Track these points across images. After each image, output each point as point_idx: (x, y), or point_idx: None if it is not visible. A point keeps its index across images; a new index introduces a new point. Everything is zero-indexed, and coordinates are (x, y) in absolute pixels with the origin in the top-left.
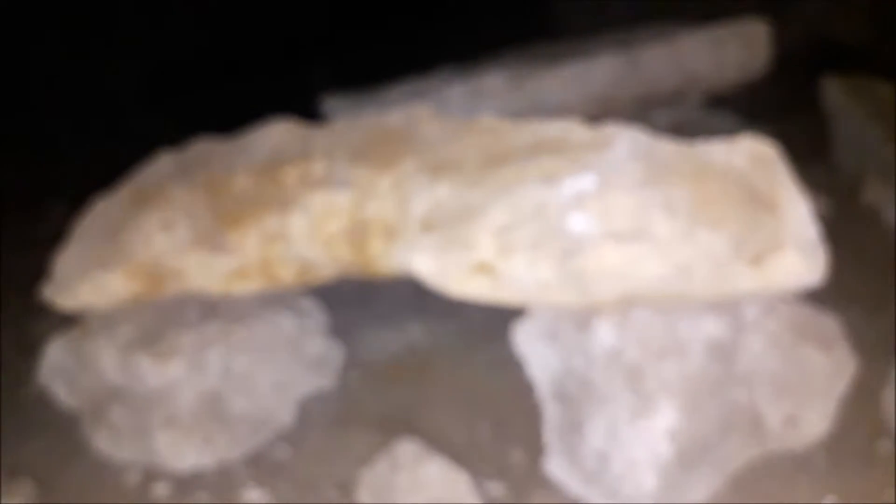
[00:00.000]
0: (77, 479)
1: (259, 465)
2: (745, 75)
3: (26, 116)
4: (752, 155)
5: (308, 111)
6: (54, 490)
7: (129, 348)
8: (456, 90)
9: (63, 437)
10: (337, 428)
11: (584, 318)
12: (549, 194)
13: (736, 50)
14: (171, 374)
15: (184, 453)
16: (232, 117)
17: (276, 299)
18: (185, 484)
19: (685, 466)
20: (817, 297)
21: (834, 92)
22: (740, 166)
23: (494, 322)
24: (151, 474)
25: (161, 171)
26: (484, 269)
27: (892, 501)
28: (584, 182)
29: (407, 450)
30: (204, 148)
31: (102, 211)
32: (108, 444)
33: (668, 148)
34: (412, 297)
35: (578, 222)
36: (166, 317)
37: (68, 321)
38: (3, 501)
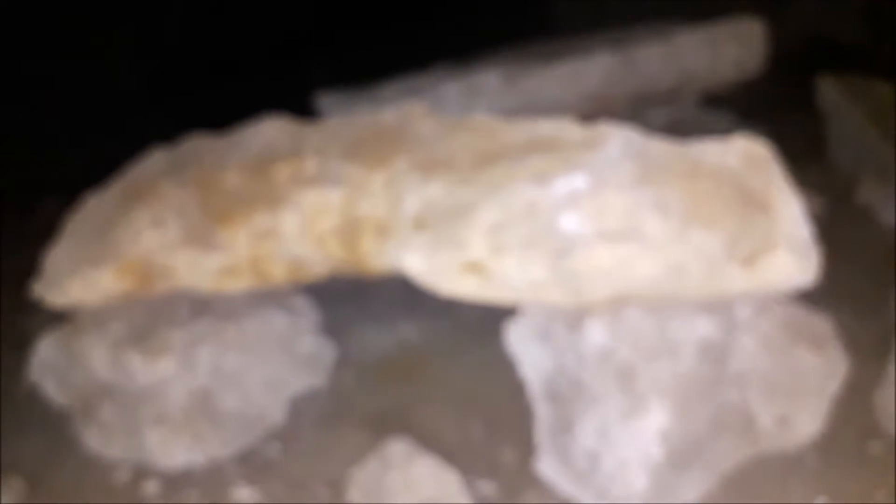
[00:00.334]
0: (67, 477)
1: (250, 464)
2: (741, 74)
3: (20, 114)
4: (745, 154)
5: (303, 108)
6: (44, 487)
7: (119, 345)
8: (451, 88)
9: (53, 434)
10: (328, 426)
11: (576, 317)
12: (541, 193)
13: (732, 49)
14: (161, 371)
15: (174, 451)
16: (227, 115)
17: (267, 297)
18: (175, 482)
19: (676, 467)
20: (810, 298)
21: (830, 91)
22: (733, 166)
23: (487, 321)
24: (141, 472)
25: (153, 167)
26: (475, 268)
27: (884, 502)
28: (576, 181)
29: (398, 449)
30: (196, 144)
31: (93, 208)
32: (98, 441)
33: (661, 147)
34: (404, 295)
35: (570, 221)
36: (157, 314)
37: (59, 318)
38: None
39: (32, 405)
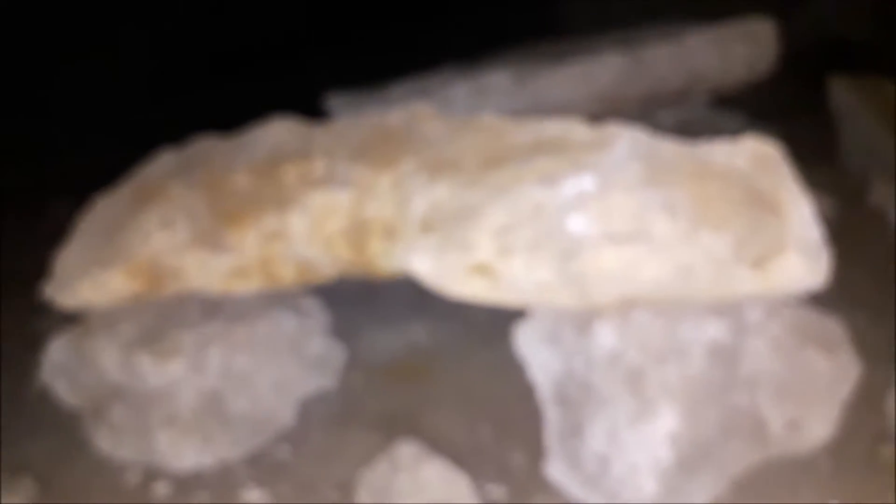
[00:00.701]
0: (77, 478)
1: (259, 465)
2: (752, 75)
3: (29, 117)
4: (755, 155)
5: (312, 109)
6: (54, 488)
7: (129, 347)
8: (459, 88)
9: (64, 435)
10: (337, 428)
11: (584, 320)
12: (548, 195)
13: (742, 49)
14: (171, 373)
15: (184, 453)
16: (236, 116)
17: (276, 299)
18: (185, 483)
19: (686, 471)
20: (821, 300)
21: (841, 92)
22: (743, 167)
23: (495, 323)
24: (152, 473)
25: (162, 169)
26: (483, 270)
27: None
28: (584, 182)
29: (407, 451)
30: (205, 146)
31: (103, 209)
32: (108, 442)
33: (669, 148)
34: (413, 297)
35: (578, 223)
36: (167, 316)
37: (70, 319)
38: (3, 499)
39: (43, 406)
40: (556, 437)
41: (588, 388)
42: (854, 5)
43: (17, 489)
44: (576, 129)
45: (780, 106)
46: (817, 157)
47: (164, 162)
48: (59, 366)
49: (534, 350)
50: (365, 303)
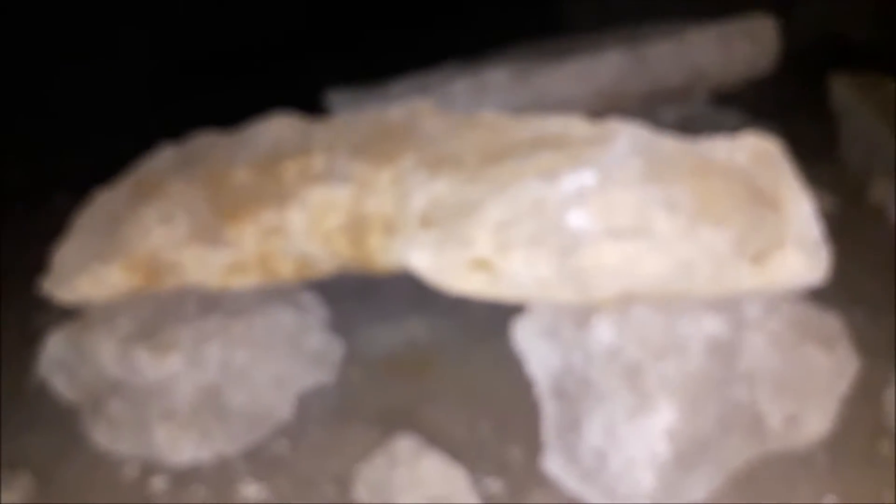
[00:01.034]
0: (75, 472)
1: (257, 460)
2: (753, 72)
3: (30, 113)
4: (755, 152)
5: (313, 106)
6: (53, 483)
7: (128, 341)
8: (460, 85)
9: (62, 429)
10: (336, 423)
11: (583, 315)
12: (548, 190)
13: (743, 46)
14: (169, 367)
15: (182, 447)
16: (236, 112)
17: (275, 294)
18: (183, 478)
19: (684, 466)
20: (821, 296)
21: (842, 90)
22: (743, 163)
23: (495, 318)
24: (149, 468)
25: (161, 164)
26: (482, 265)
27: (893, 502)
28: (584, 178)
29: (405, 446)
30: (204, 141)
31: (102, 204)
32: (106, 437)
33: (669, 144)
34: (412, 292)
35: (578, 219)
36: (165, 310)
37: (69, 314)
38: (1, 494)
39: (42, 400)
40: (554, 432)
41: (586, 383)
42: (854, 4)
43: (15, 483)
44: (576, 126)
45: (781, 103)
46: (818, 154)
47: (163, 157)
48: (57, 360)
49: (532, 345)
50: (364, 298)
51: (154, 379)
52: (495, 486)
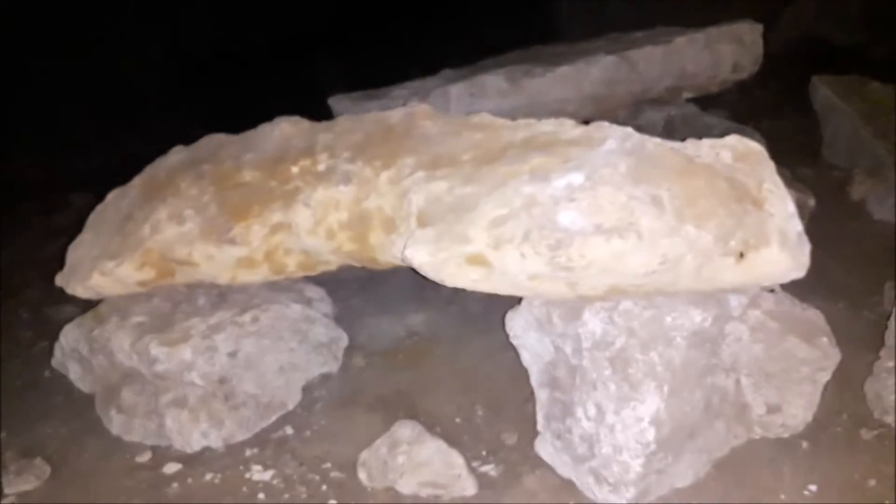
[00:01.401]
0: (89, 460)
1: (265, 446)
2: (739, 75)
3: (48, 116)
4: (739, 152)
5: (316, 110)
6: (67, 469)
7: (140, 334)
8: (457, 89)
9: (77, 418)
10: (340, 410)
11: (574, 308)
12: (540, 189)
13: (729, 50)
14: (181, 358)
15: (193, 435)
16: (247, 114)
17: (282, 288)
18: (194, 464)
19: (670, 452)
20: (804, 290)
21: (825, 91)
22: (727, 163)
23: (491, 311)
24: (161, 454)
25: (172, 164)
26: (478, 260)
27: (874, 488)
28: (574, 178)
29: (406, 432)
30: (213, 143)
31: (116, 203)
32: (119, 425)
33: (656, 145)
34: (412, 286)
35: (569, 216)
36: (177, 304)
37: (83, 307)
38: (17, 482)
39: (57, 391)
40: (546, 419)
41: (577, 373)
42: (837, 9)
43: (30, 470)
44: (567, 128)
45: (766, 105)
46: (801, 154)
47: (174, 157)
48: (72, 352)
49: (526, 336)
50: (366, 292)
51: (165, 369)
52: (491, 469)
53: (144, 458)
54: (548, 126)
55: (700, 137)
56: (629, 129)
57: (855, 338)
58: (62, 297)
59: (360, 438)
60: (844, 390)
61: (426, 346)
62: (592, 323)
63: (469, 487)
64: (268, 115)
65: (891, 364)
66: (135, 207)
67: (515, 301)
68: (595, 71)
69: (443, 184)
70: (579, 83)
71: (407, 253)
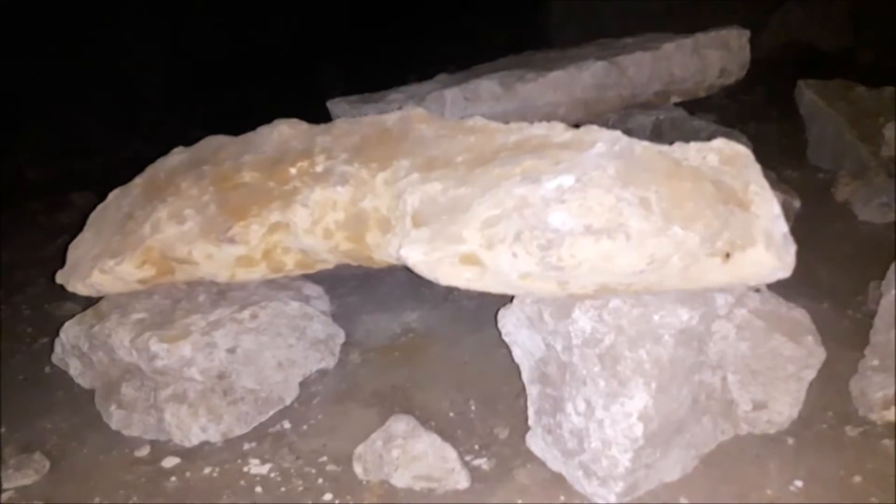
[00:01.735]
0: (89, 454)
1: (263, 440)
2: (726, 80)
3: (50, 117)
4: (726, 155)
5: (315, 113)
6: (66, 464)
7: (140, 330)
8: (452, 94)
9: (76, 413)
10: (336, 405)
11: (564, 306)
12: (532, 191)
13: (717, 55)
14: (180, 354)
15: (192, 429)
16: (247, 116)
17: (281, 286)
18: (193, 458)
19: (658, 447)
20: (790, 290)
21: (810, 95)
22: (714, 166)
23: (484, 308)
24: (160, 449)
25: (173, 165)
26: (471, 260)
27: (859, 484)
28: (564, 180)
29: (400, 426)
30: (214, 144)
31: (117, 202)
32: (119, 420)
33: (644, 148)
34: (408, 285)
35: (559, 217)
36: (177, 301)
37: (84, 305)
38: (16, 476)
39: (58, 386)
40: (537, 414)
41: (567, 369)
42: (823, 15)
43: (30, 465)
44: (558, 131)
45: (753, 109)
46: (787, 156)
47: (175, 158)
48: (72, 348)
49: (517, 333)
50: (363, 290)
51: (165, 365)
52: (483, 463)
53: (143, 452)
54: (539, 129)
55: (688, 141)
56: (618, 133)
57: (840, 336)
58: (63, 294)
59: (355, 433)
60: (829, 388)
61: (421, 342)
62: (582, 321)
63: (462, 481)
64: (267, 118)
65: (875, 362)
66: (136, 207)
67: (508, 299)
68: (586, 76)
69: (437, 185)
70: (570, 88)
71: (402, 252)
